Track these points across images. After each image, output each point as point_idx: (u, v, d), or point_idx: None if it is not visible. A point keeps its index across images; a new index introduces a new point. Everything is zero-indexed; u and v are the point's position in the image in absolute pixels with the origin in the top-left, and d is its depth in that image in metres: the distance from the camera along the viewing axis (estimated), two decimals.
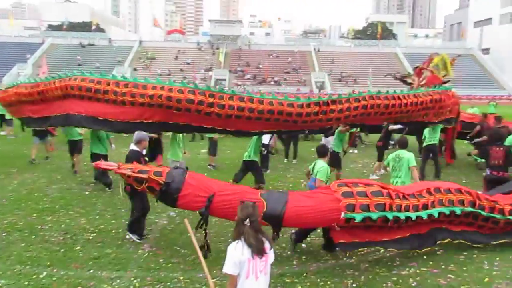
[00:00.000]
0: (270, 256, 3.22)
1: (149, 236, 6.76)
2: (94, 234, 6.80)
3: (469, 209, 5.81)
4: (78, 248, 6.25)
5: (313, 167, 6.74)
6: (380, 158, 11.20)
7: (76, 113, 8.12)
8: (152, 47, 72.43)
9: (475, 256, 5.99)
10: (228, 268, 3.11)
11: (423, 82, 12.52)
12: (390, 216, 5.24)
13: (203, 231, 5.43)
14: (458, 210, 5.71)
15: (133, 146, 6.73)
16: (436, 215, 5.54)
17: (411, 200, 5.45)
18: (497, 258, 5.88)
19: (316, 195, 5.59)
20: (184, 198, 5.54)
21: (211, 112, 7.49)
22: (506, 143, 9.14)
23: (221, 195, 5.43)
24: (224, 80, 63.59)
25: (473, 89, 58.97)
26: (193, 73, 61.56)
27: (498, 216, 5.99)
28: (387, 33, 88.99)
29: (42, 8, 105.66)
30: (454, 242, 6.22)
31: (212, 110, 7.46)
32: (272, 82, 63.35)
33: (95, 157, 9.05)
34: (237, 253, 3.08)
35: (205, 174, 10.91)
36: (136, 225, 6.66)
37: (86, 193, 9.20)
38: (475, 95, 54.56)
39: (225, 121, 7.71)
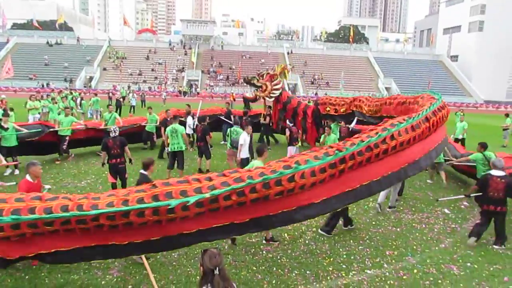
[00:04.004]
0: None
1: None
2: None
3: None
4: (43, 274, 6.06)
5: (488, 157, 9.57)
6: None
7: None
8: (122, 46, 71.30)
9: (440, 282, 6.16)
10: None
11: (277, 86, 15.50)
12: None
13: None
14: None
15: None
16: None
17: None
18: (461, 285, 6.07)
19: None
20: None
21: None
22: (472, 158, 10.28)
23: None
24: (197, 81, 63.27)
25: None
26: (165, 73, 60.95)
27: None
28: (359, 37, 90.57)
29: (6, 6, 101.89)
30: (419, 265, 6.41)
31: None
32: (245, 84, 63.43)
33: None
34: None
35: None
36: None
37: None
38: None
39: None
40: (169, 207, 4.44)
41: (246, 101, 17.13)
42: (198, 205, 4.56)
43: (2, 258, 4.98)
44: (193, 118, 15.29)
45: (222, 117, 16.67)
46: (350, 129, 13.64)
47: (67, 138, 13.57)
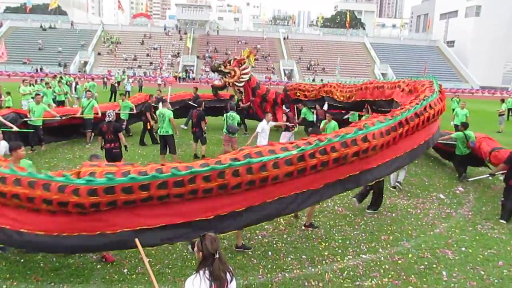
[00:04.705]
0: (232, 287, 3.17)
1: None
2: None
3: None
4: (38, 258, 6.04)
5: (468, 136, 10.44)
6: None
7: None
8: (117, 31, 70.40)
9: (434, 266, 6.18)
10: None
11: (246, 71, 15.64)
12: None
13: None
14: None
15: None
16: None
17: None
18: (456, 269, 6.09)
19: None
20: None
21: None
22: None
23: None
24: (193, 66, 62.81)
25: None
26: (160, 58, 60.42)
27: None
28: (355, 22, 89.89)
29: None
30: (414, 250, 6.49)
31: None
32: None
33: None
34: None
35: None
36: None
37: None
38: None
39: None
40: (262, 161, 4.69)
41: (215, 88, 16.96)
42: (287, 162, 4.82)
43: (82, 240, 4.62)
44: None
45: (190, 102, 16.52)
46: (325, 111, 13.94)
47: (41, 127, 12.52)
